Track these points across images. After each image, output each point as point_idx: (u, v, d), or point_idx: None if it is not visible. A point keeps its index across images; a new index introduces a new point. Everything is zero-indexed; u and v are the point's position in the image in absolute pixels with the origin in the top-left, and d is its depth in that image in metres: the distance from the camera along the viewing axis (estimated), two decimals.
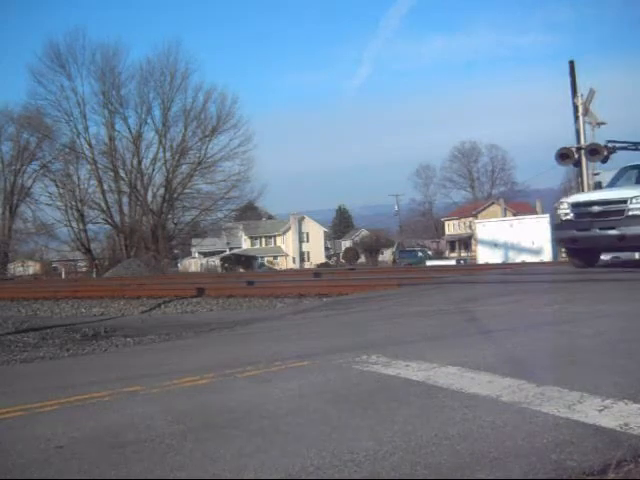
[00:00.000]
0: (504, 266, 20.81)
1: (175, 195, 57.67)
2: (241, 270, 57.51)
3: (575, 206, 12.84)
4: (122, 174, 56.74)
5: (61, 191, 56.88)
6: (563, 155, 20.95)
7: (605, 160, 20.47)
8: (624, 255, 17.51)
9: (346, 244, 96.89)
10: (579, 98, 20.87)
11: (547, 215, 27.25)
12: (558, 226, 13.64)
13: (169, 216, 58.35)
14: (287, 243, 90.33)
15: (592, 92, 20.92)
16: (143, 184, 57.13)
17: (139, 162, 57.26)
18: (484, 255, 27.70)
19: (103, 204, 56.55)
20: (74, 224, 56.64)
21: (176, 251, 66.04)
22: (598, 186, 15.35)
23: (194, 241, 68.79)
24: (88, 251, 56.87)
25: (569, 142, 21.02)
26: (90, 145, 56.95)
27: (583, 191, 19.44)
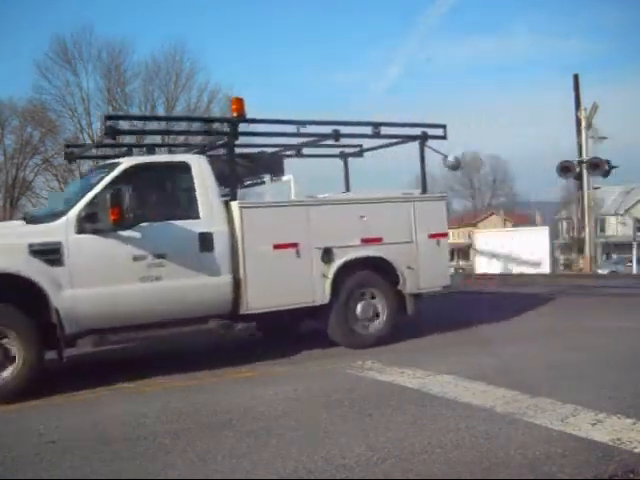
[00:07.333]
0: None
1: None
2: None
3: None
4: None
5: (62, 186, 56.81)
6: (564, 168, 20.90)
7: (606, 175, 20.43)
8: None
9: None
10: (582, 112, 20.87)
11: (547, 227, 27.20)
12: None
13: None
14: None
15: (595, 106, 20.94)
16: None
17: None
18: (482, 265, 27.65)
19: None
20: None
21: None
22: None
23: None
24: None
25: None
26: (93, 141, 56.99)
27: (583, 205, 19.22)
